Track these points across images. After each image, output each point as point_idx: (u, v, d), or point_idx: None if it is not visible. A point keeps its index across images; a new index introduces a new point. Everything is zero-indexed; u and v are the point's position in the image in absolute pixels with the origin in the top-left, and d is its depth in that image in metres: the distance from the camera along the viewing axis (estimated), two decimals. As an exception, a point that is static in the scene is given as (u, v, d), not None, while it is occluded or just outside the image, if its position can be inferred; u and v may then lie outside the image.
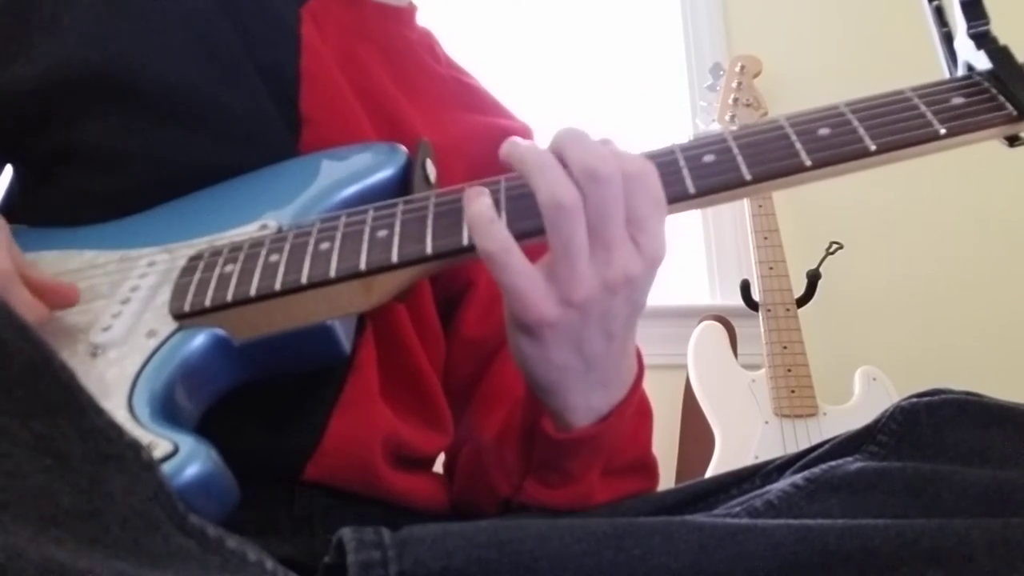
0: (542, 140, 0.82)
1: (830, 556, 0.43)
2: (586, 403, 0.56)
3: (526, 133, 0.82)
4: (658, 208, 0.52)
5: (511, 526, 0.45)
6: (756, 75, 1.89)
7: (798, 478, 0.53)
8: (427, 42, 0.82)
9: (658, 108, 2.08)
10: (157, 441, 0.45)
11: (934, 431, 0.53)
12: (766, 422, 1.57)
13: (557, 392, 0.55)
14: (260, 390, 0.57)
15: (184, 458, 0.44)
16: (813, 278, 1.70)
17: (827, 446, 0.57)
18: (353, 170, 0.63)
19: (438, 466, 0.75)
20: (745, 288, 1.74)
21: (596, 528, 0.45)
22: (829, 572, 0.43)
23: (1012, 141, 0.55)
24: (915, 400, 0.55)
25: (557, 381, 0.55)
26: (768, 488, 0.54)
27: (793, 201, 1.86)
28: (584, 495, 0.61)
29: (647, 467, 0.69)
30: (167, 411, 0.49)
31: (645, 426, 0.69)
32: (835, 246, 1.72)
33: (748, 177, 0.53)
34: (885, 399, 1.62)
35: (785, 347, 1.61)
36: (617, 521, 0.47)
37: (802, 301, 1.69)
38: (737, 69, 1.88)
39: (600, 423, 0.57)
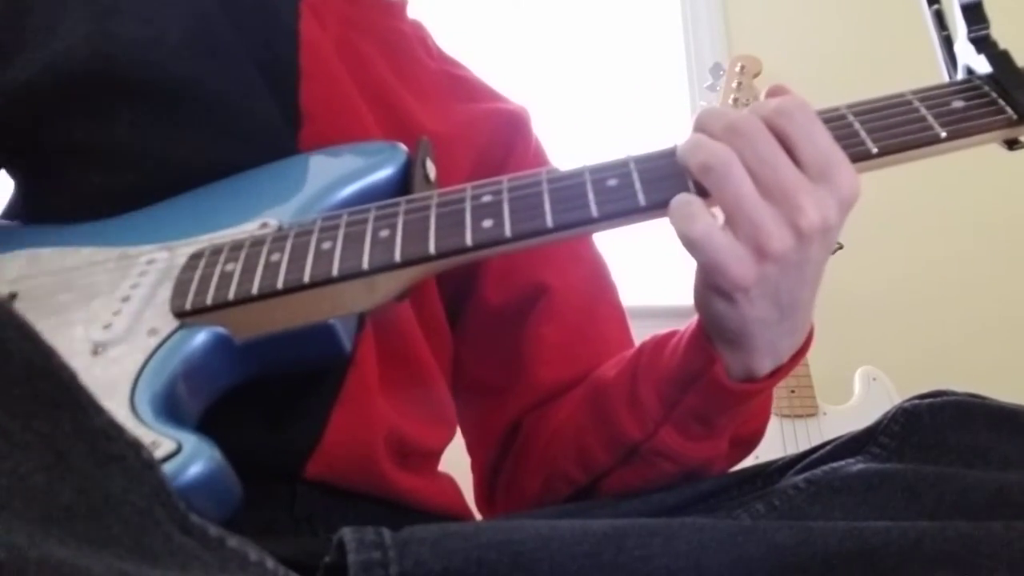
0: (539, 126, 0.82)
1: (831, 558, 0.43)
2: (774, 351, 0.56)
3: (523, 114, 0.82)
4: (835, 145, 0.51)
5: (512, 527, 0.45)
6: (756, 75, 1.89)
7: (799, 479, 0.53)
8: (419, 35, 0.82)
9: (658, 108, 2.08)
10: (160, 440, 0.44)
11: (936, 433, 0.53)
12: (765, 422, 1.56)
13: (746, 343, 0.55)
14: (258, 387, 0.56)
15: (187, 457, 0.43)
16: (813, 278, 1.70)
17: (829, 447, 0.57)
18: (353, 169, 0.63)
19: (442, 466, 0.74)
20: (745, 288, 1.73)
21: (596, 529, 0.45)
22: (831, 574, 0.43)
23: (1011, 145, 0.56)
24: (917, 402, 0.55)
25: (751, 334, 0.54)
26: (769, 489, 0.54)
27: (793, 201, 1.86)
28: (712, 456, 0.62)
29: (754, 442, 0.69)
30: (169, 409, 0.49)
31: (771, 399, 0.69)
32: (835, 246, 1.72)
33: None
34: (885, 399, 1.62)
35: (785, 347, 1.61)
36: (617, 522, 0.46)
37: (802, 301, 1.69)
38: (737, 69, 1.88)
39: (772, 375, 0.57)
